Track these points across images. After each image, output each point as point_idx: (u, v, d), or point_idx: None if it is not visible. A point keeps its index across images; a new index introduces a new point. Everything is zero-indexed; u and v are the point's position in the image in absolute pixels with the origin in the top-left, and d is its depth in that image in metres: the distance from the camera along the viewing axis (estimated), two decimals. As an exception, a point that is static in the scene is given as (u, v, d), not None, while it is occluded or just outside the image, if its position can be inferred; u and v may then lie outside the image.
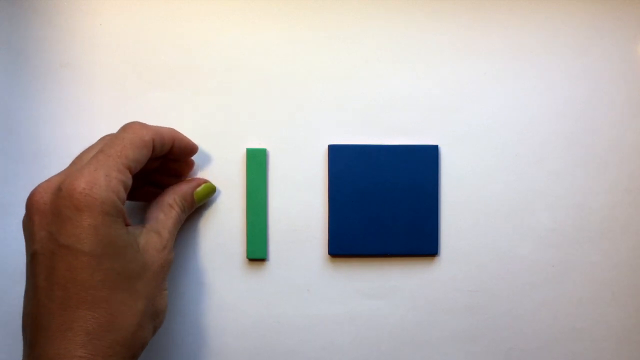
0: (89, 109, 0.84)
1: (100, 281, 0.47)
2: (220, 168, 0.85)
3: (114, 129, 0.85)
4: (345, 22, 0.86)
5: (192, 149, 0.71)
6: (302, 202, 0.85)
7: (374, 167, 0.83)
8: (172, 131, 0.66)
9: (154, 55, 0.85)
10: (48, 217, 0.50)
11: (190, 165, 0.73)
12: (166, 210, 0.64)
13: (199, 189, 0.71)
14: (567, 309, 0.86)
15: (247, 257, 0.84)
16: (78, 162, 0.56)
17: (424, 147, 0.84)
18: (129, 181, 0.55)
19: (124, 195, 0.54)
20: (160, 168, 0.70)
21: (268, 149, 0.85)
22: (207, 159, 0.84)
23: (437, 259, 0.85)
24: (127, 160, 0.54)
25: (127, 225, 0.57)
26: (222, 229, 0.85)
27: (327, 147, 0.84)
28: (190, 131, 0.84)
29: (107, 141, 0.57)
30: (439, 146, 0.85)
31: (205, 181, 0.73)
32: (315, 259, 0.85)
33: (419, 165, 0.84)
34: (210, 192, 0.74)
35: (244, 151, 0.85)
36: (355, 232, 0.83)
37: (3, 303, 0.83)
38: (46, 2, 0.84)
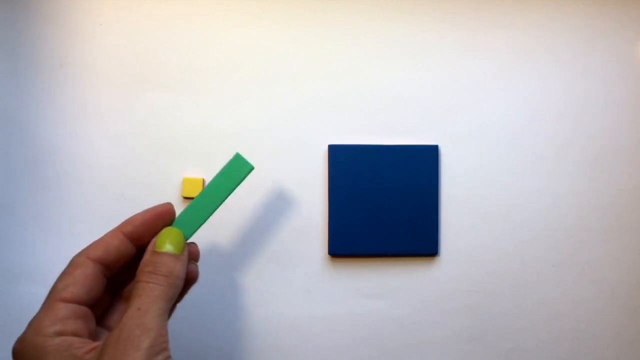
0: (89, 109, 0.84)
1: None
2: (220, 168, 0.85)
3: (113, 128, 0.85)
4: (345, 22, 0.86)
5: (162, 215, 0.60)
6: (302, 202, 0.85)
7: (374, 167, 0.83)
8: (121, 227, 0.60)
9: (154, 55, 0.85)
10: None
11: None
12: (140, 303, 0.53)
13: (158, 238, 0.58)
14: (567, 309, 0.86)
15: (247, 257, 0.84)
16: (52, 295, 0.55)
17: (424, 147, 0.84)
18: (83, 310, 0.56)
19: (81, 325, 0.54)
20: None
21: (268, 149, 0.85)
22: (207, 159, 0.84)
23: (437, 259, 0.85)
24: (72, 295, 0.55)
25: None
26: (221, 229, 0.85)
27: (327, 147, 0.84)
28: (190, 131, 0.84)
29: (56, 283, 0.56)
30: (439, 146, 0.85)
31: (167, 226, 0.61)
32: (315, 259, 0.84)
33: (419, 165, 0.84)
34: (173, 238, 0.58)
35: (244, 151, 0.85)
36: (355, 232, 0.83)
37: (4, 303, 0.83)
38: (46, 2, 0.84)
